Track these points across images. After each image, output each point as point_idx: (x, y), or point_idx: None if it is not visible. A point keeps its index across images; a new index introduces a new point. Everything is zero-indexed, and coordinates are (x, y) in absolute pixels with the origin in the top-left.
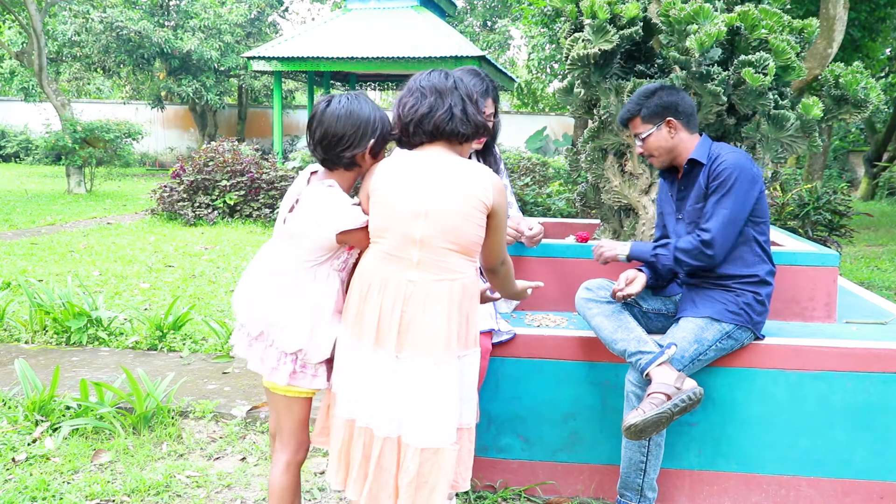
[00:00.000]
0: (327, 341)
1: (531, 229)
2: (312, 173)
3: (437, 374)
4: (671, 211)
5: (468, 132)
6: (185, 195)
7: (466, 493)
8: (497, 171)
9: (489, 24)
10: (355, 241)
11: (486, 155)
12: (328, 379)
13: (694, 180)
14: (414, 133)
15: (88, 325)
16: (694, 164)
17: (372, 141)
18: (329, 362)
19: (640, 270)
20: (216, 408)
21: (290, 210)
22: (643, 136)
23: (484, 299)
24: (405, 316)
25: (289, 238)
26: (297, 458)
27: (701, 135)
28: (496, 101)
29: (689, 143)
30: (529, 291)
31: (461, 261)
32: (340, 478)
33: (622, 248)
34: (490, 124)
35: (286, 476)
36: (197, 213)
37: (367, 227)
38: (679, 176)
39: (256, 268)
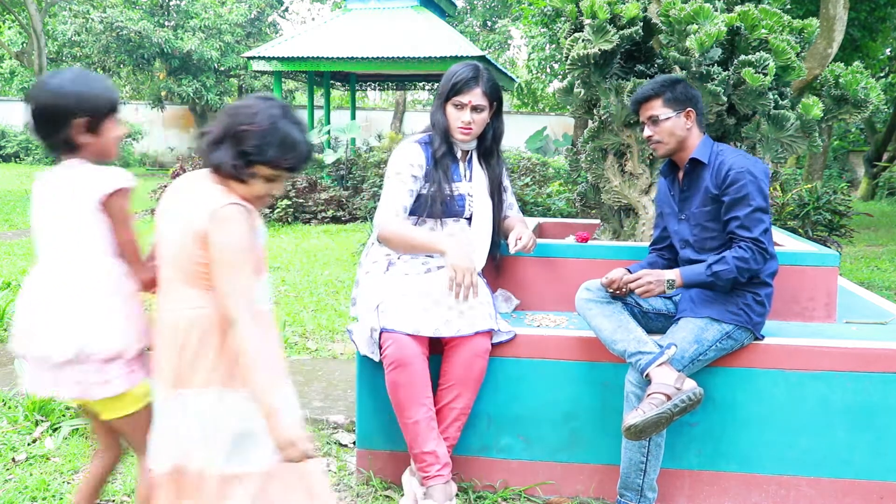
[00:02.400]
0: (108, 333)
1: (519, 238)
2: None
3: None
4: (672, 211)
5: (204, 159)
6: None
7: (466, 492)
8: (499, 172)
9: (489, 24)
10: (122, 208)
11: (489, 157)
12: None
13: (697, 181)
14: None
15: None
16: (696, 163)
17: (83, 119)
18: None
19: (629, 270)
20: None
21: None
22: (661, 118)
23: None
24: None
25: (50, 242)
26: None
27: (704, 134)
28: (493, 97)
29: (695, 141)
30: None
31: (191, 291)
32: None
33: (671, 275)
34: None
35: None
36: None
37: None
38: (680, 175)
39: (31, 291)
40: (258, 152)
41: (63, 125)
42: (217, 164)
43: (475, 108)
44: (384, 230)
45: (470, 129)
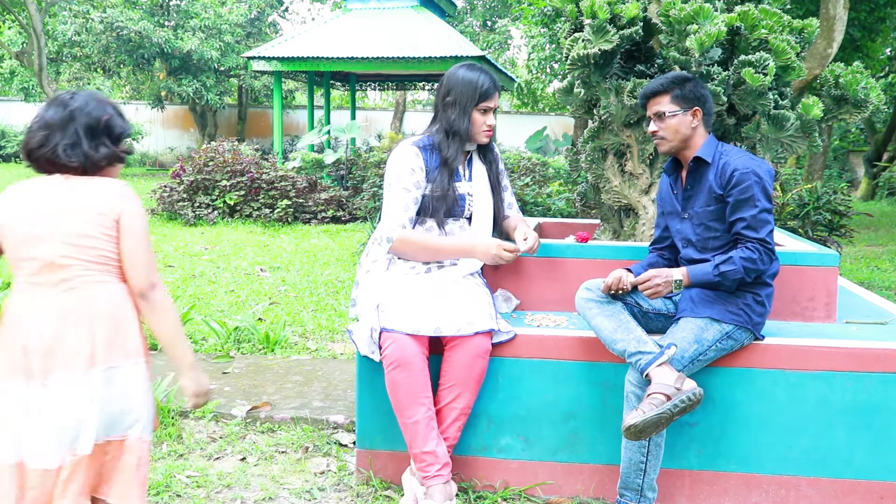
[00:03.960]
0: None
1: (525, 239)
2: None
3: (81, 386)
4: (674, 210)
5: (78, 165)
6: (185, 195)
7: (466, 492)
8: (496, 168)
9: (489, 24)
10: None
11: (486, 152)
12: None
13: (701, 180)
14: (33, 164)
15: None
16: (699, 162)
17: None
18: None
19: (629, 270)
20: (216, 408)
21: None
22: (667, 114)
23: None
24: (51, 340)
25: None
26: None
27: (709, 134)
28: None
29: (700, 140)
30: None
31: (96, 273)
32: None
33: (678, 275)
34: (487, 129)
35: None
36: (197, 213)
37: None
38: (683, 174)
39: None
40: (125, 130)
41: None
42: (104, 156)
43: (494, 110)
44: (397, 243)
45: (492, 130)
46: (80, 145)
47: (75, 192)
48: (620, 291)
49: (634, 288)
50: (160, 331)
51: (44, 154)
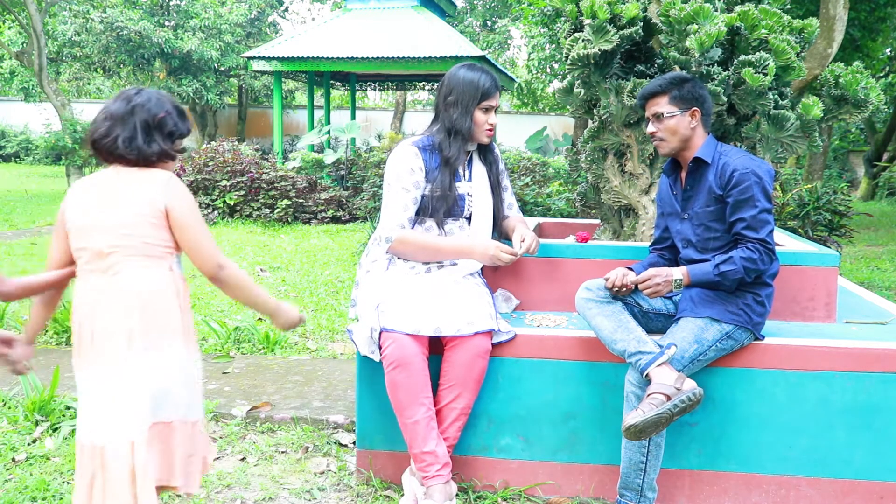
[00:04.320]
0: None
1: (523, 240)
2: None
3: (121, 372)
4: (674, 211)
5: (133, 158)
6: None
7: (466, 492)
8: (496, 168)
9: (489, 24)
10: None
11: (486, 153)
12: None
13: (700, 181)
14: (95, 153)
15: None
16: (699, 162)
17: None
18: None
19: (630, 269)
20: (216, 408)
21: None
22: (665, 115)
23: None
24: (95, 323)
25: None
26: None
27: (709, 134)
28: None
29: (699, 140)
30: (302, 315)
31: (140, 262)
32: None
33: (678, 274)
34: (489, 128)
35: None
36: None
37: None
38: (683, 174)
39: None
40: (179, 129)
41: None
42: (155, 152)
43: (495, 109)
44: (396, 243)
45: (493, 129)
46: (136, 139)
47: (123, 185)
48: (623, 289)
49: (635, 287)
50: (237, 299)
51: (106, 144)
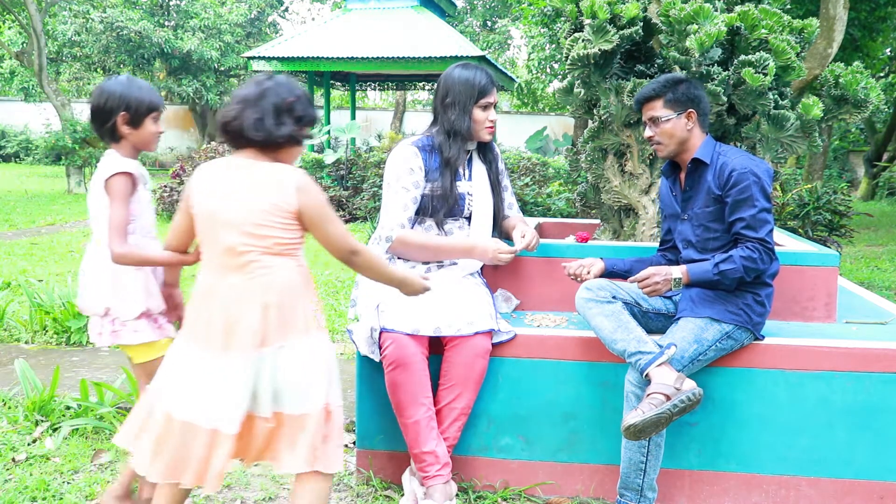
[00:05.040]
0: (132, 297)
1: (523, 236)
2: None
3: (248, 363)
4: (674, 212)
5: (260, 140)
6: None
7: (466, 492)
8: (496, 167)
9: (489, 24)
10: (114, 190)
11: (486, 151)
12: (157, 333)
13: (699, 181)
14: (226, 136)
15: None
16: (698, 163)
17: (122, 113)
18: (148, 317)
19: (602, 259)
20: None
21: None
22: (662, 119)
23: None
24: (228, 318)
25: (93, 221)
26: None
27: (707, 134)
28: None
29: (697, 141)
30: (426, 284)
31: (271, 259)
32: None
33: (677, 273)
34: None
35: None
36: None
37: (128, 174)
38: (682, 175)
39: (85, 259)
40: (307, 114)
41: (108, 118)
42: (284, 135)
43: (494, 106)
44: (396, 242)
45: (493, 126)
46: (265, 121)
47: (255, 181)
48: (579, 280)
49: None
50: (369, 278)
51: (235, 126)
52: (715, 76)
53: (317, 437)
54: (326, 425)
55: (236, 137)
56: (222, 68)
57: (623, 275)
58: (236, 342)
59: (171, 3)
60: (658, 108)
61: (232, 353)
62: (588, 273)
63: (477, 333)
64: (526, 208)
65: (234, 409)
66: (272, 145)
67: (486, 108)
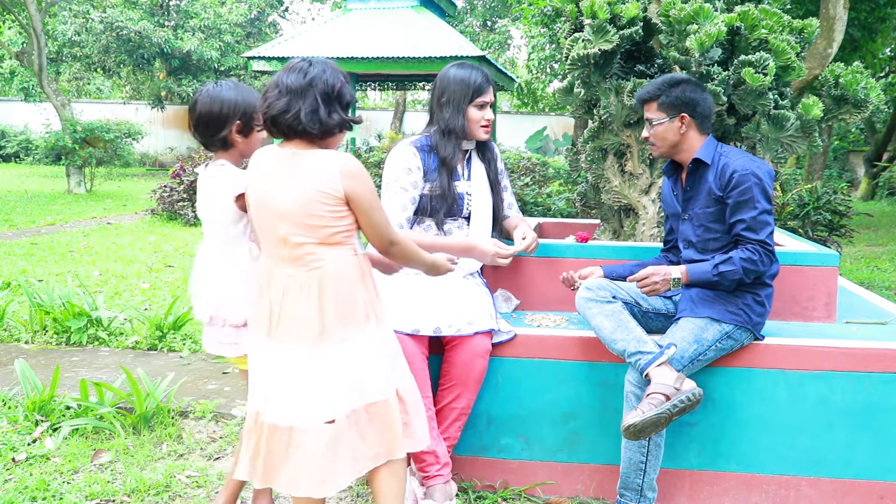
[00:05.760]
0: (237, 304)
1: (524, 238)
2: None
3: (312, 358)
4: (675, 211)
5: (317, 132)
6: (185, 195)
7: (466, 492)
8: (495, 167)
9: (489, 24)
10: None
11: (485, 150)
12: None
13: (700, 182)
14: (274, 129)
15: (88, 325)
16: (699, 164)
17: (237, 122)
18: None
19: (601, 267)
20: (216, 408)
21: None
22: (655, 122)
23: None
24: (284, 308)
25: (206, 225)
26: None
27: (708, 135)
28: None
29: (695, 143)
30: (452, 265)
31: (325, 250)
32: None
33: (677, 273)
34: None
35: None
36: (197, 213)
37: None
38: (683, 175)
39: (196, 263)
40: (354, 100)
41: (223, 127)
42: (336, 123)
43: (490, 105)
44: None
45: (490, 125)
46: (319, 112)
47: (302, 169)
48: (573, 289)
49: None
50: (403, 265)
51: (287, 120)
52: (715, 76)
53: (402, 420)
54: (407, 408)
55: (287, 131)
56: (222, 68)
57: (623, 280)
58: (291, 335)
59: (171, 3)
60: (652, 111)
61: (285, 345)
62: (574, 285)
63: (477, 333)
64: (526, 208)
65: (306, 405)
66: (326, 135)
67: (481, 107)
